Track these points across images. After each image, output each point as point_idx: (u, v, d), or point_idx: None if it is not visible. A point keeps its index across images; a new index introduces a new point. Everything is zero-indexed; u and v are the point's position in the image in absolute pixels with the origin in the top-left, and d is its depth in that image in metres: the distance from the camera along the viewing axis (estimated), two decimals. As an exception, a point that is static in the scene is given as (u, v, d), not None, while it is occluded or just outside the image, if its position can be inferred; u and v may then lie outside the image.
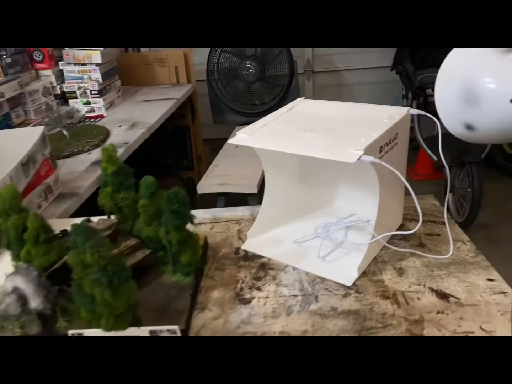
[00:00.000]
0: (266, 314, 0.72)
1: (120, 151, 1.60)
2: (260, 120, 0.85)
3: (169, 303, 0.72)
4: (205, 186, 2.11)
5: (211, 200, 2.18)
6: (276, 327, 0.69)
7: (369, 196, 0.94)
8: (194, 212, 1.06)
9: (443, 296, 0.72)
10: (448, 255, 0.79)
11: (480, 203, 2.24)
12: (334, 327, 0.67)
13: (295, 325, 0.69)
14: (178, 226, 0.73)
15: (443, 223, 0.93)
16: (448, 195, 0.81)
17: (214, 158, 2.42)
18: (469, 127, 0.50)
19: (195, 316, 0.72)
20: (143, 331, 0.65)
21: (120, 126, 1.90)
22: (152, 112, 2.06)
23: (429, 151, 2.40)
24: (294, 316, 0.71)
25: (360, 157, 0.66)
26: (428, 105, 2.92)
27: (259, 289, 0.78)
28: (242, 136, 0.80)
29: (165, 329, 0.65)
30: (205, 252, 0.88)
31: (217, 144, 2.71)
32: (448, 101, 0.52)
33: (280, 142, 0.76)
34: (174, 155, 2.81)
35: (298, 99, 0.95)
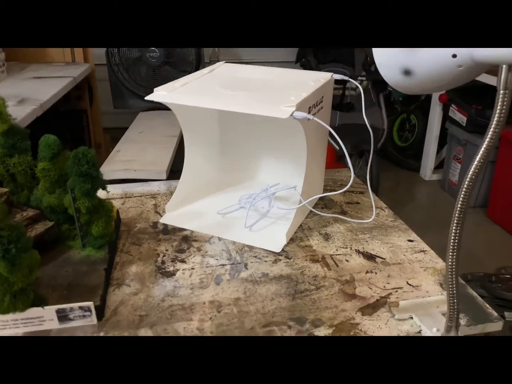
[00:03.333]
0: (193, 285, 0.65)
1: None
2: (179, 79, 0.78)
3: (80, 279, 0.62)
4: (107, 172, 1.94)
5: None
6: (206, 297, 0.63)
7: (293, 165, 0.92)
8: (101, 187, 0.96)
9: (370, 257, 0.72)
10: (371, 219, 0.80)
11: (377, 189, 2.41)
12: (267, 292, 0.64)
13: (226, 293, 0.64)
14: (88, 191, 0.63)
15: (361, 192, 0.95)
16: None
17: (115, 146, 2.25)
18: (407, 72, 0.50)
19: (110, 293, 0.63)
20: (49, 312, 0.55)
21: (6, 102, 1.65)
22: (44, 89, 1.83)
23: (331, 141, 2.51)
24: (224, 284, 0.65)
25: (292, 113, 0.63)
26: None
27: (183, 261, 0.71)
28: (161, 94, 0.72)
29: (77, 307, 0.55)
30: (117, 226, 0.78)
31: (119, 133, 2.52)
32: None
33: (205, 99, 0.70)
34: (70, 141, 2.56)
35: (219, 63, 0.90)
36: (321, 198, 0.91)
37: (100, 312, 0.58)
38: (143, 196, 0.92)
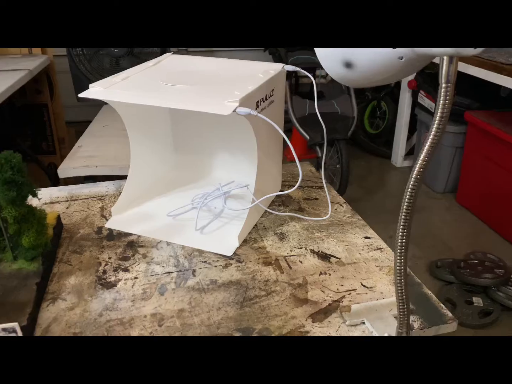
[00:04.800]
0: (135, 297, 0.61)
1: (-51, 126, 1.30)
2: (120, 73, 0.73)
3: (8, 296, 0.57)
4: (67, 169, 1.86)
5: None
6: (147, 309, 0.59)
7: (247, 161, 0.88)
8: (46, 190, 0.90)
9: (324, 257, 0.69)
10: (327, 217, 0.77)
11: (348, 178, 2.39)
12: (214, 301, 0.60)
13: (169, 304, 0.60)
14: (13, 199, 0.57)
15: (320, 187, 0.92)
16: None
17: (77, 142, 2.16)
18: (348, 65, 0.46)
19: (43, 309, 0.58)
20: (-33, 336, 0.49)
21: (-48, 97, 1.56)
22: (-3, 84, 1.73)
23: (302, 131, 2.48)
24: (168, 294, 0.61)
25: (235, 109, 0.59)
26: (300, 86, 3.03)
27: (126, 270, 0.66)
28: (96, 90, 0.66)
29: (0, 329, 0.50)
30: (58, 234, 0.73)
31: (83, 127, 2.43)
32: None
33: (144, 95, 0.65)
34: (31, 138, 2.46)
35: (166, 54, 0.84)
36: (278, 195, 0.88)
37: (29, 332, 0.53)
38: (90, 198, 0.86)
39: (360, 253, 0.70)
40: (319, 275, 0.65)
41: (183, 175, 0.91)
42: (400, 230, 0.46)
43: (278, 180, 0.88)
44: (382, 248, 0.72)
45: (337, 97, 2.69)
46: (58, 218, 0.74)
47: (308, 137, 2.53)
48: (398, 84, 2.79)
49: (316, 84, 2.87)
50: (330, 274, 0.66)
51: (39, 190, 0.62)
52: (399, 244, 0.46)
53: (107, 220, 0.79)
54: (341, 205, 0.85)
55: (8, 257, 0.62)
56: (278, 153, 0.85)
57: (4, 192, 0.56)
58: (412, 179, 0.43)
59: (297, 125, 2.53)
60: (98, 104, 2.62)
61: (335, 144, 2.48)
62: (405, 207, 0.44)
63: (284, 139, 0.66)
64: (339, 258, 0.69)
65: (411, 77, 2.56)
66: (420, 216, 2.17)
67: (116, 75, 0.72)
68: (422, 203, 2.35)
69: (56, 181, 1.95)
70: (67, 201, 0.85)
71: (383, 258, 0.69)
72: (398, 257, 0.46)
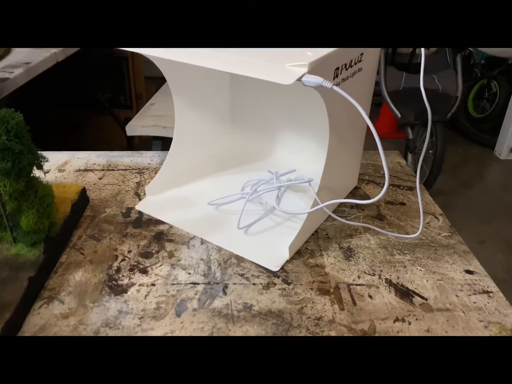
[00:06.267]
0: (144, 313, 0.47)
1: (16, 72, 1.26)
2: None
3: (-8, 290, 0.46)
4: (136, 127, 1.80)
5: (150, 146, 1.88)
6: (155, 334, 0.45)
7: (316, 146, 0.70)
8: (83, 154, 0.79)
9: (405, 294, 0.50)
10: (416, 234, 0.56)
11: (441, 167, 2.08)
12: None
13: (184, 331, 0.45)
14: (7, 171, 0.45)
15: (410, 188, 0.71)
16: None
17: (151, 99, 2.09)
18: None
19: (34, 311, 0.47)
20: None
21: (28, 44, 1.52)
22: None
23: (393, 107, 2.19)
24: (186, 317, 0.47)
25: (301, 76, 0.41)
26: (397, 56, 2.69)
27: (144, 271, 0.53)
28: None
29: (-37, 340, 0.39)
30: (79, 211, 0.61)
31: (163, 84, 2.36)
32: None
33: (191, 53, 0.48)
34: (110, 91, 2.44)
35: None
36: (353, 191, 0.69)
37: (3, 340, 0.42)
38: (128, 170, 0.74)
39: (457, 295, 0.50)
40: (394, 323, 0.47)
41: (235, 155, 0.75)
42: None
43: (354, 173, 0.68)
44: (491, 292, 0.51)
45: (439, 71, 2.33)
46: (82, 192, 0.62)
47: (399, 115, 2.23)
48: (517, 62, 2.35)
49: (417, 54, 2.48)
50: (410, 323, 0.46)
51: (44, 158, 0.49)
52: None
53: (140, 199, 0.66)
54: (436, 218, 0.63)
55: (8, 237, 0.51)
56: (358, 138, 0.65)
57: (-4, 161, 0.44)
58: None
59: (388, 100, 2.23)
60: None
61: (431, 126, 2.16)
62: None
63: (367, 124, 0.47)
64: (426, 300, 0.49)
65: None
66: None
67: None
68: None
69: (131, 137, 1.89)
70: (103, 170, 0.73)
71: (491, 308, 0.48)
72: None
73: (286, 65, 0.42)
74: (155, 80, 2.81)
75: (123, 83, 2.44)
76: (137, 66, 2.47)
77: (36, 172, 0.50)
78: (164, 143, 1.89)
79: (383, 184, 0.70)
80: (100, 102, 2.38)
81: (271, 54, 0.47)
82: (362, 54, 0.53)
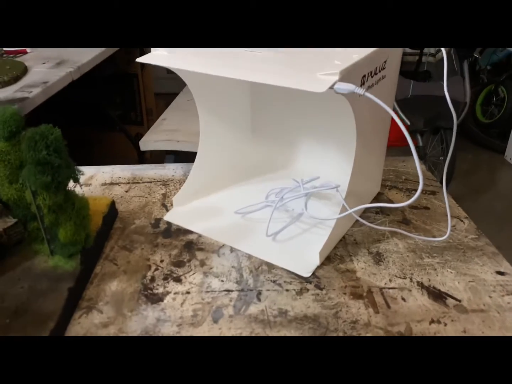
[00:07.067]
0: (182, 320, 0.48)
1: (35, 92, 1.29)
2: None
3: (33, 301, 0.47)
4: (149, 142, 1.82)
5: (162, 161, 1.90)
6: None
7: (340, 153, 0.71)
8: (108, 168, 0.81)
9: (438, 296, 0.51)
10: (444, 237, 0.57)
11: (452, 173, 2.08)
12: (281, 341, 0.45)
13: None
14: (47, 185, 0.47)
15: (432, 192, 0.71)
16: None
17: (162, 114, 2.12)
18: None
19: (74, 321, 0.48)
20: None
21: (44, 63, 1.56)
22: (86, 52, 1.72)
23: (402, 115, 2.20)
24: (224, 323, 0.47)
25: (333, 84, 0.42)
26: (403, 65, 2.70)
27: (178, 280, 0.54)
28: (159, 54, 0.53)
29: (11, 349, 0.40)
30: (109, 223, 0.63)
31: (171, 100, 2.40)
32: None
33: (214, 63, 0.50)
34: (121, 107, 2.48)
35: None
36: (377, 196, 0.69)
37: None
38: (153, 182, 0.75)
39: (490, 296, 0.50)
40: (430, 324, 0.47)
41: (259, 164, 0.76)
42: None
43: (377, 178, 0.69)
44: (524, 292, 0.51)
45: (447, 78, 2.35)
46: (111, 205, 0.63)
47: (409, 123, 2.24)
48: (524, 67, 2.37)
49: (423, 62, 2.50)
50: (446, 324, 0.47)
51: (80, 172, 0.50)
52: None
53: (167, 210, 0.67)
54: (462, 221, 0.64)
55: (45, 250, 0.53)
56: (381, 145, 0.66)
57: (37, 175, 0.46)
58: None
59: (397, 107, 2.25)
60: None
61: (440, 133, 2.17)
62: None
63: (399, 127, 0.48)
64: (459, 301, 0.50)
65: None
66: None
67: (186, 37, 0.58)
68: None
69: (142, 152, 1.92)
70: (128, 183, 0.75)
71: (525, 308, 0.49)
72: None
73: (318, 74, 0.43)
74: (164, 96, 2.86)
75: (134, 100, 2.48)
76: (147, 82, 2.51)
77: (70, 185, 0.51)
78: (176, 157, 1.91)
79: (406, 189, 0.71)
80: (112, 118, 2.41)
81: (296, 63, 0.48)
82: (385, 61, 0.54)
